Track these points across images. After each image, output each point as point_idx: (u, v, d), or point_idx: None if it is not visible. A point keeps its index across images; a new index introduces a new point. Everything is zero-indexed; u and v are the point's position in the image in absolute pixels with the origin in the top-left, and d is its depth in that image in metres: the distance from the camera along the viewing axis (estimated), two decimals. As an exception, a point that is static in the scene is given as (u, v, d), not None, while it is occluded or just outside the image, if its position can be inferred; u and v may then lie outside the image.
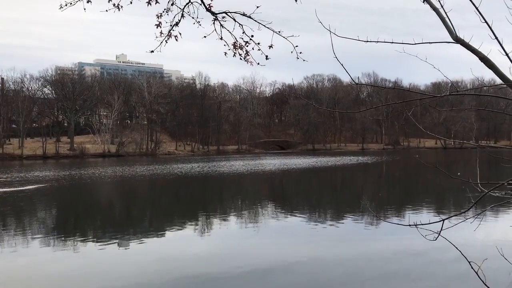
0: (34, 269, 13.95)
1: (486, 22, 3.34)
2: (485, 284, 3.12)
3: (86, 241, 18.03)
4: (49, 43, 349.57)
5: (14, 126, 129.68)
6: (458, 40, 3.47)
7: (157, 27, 5.39)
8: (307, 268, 13.42)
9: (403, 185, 44.27)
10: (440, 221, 3.73)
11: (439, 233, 3.57)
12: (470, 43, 3.46)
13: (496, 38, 3.37)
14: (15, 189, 36.84)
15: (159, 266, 14.04)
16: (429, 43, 3.69)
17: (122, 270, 13.57)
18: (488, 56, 3.44)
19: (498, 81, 3.50)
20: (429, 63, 3.83)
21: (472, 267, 3.22)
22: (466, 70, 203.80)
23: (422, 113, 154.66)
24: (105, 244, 17.28)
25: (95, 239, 18.55)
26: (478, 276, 3.08)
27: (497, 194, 4.06)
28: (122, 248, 16.81)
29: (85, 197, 34.87)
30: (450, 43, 3.56)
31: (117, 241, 18.02)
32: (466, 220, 4.21)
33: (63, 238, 18.51)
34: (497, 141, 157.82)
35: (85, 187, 41.31)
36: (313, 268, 13.47)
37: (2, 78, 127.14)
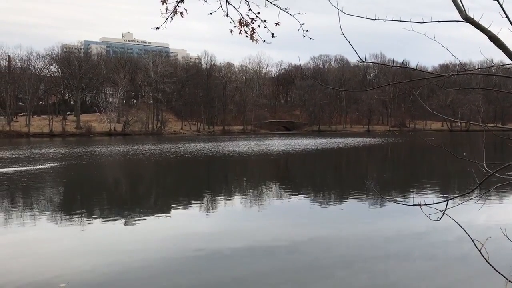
0: (41, 244, 14.18)
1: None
2: (488, 262, 3.14)
3: (93, 218, 18.24)
4: (55, 21, 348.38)
5: (21, 103, 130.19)
6: (467, 19, 3.42)
7: (162, 3, 5.35)
8: (310, 247, 13.55)
9: (408, 166, 44.23)
10: (444, 201, 3.72)
11: (444, 212, 3.58)
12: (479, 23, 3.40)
13: (506, 15, 3.32)
14: (22, 168, 37.20)
15: (163, 243, 14.22)
16: (438, 21, 3.63)
17: (127, 246, 13.76)
18: (498, 36, 3.39)
19: (508, 61, 3.45)
20: (437, 42, 3.78)
21: (475, 245, 3.23)
22: (474, 53, 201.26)
23: (429, 95, 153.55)
24: (111, 222, 17.50)
25: (101, 216, 18.76)
26: (481, 254, 3.10)
27: (505, 176, 4.04)
28: (128, 225, 17.02)
29: (92, 175, 35.15)
30: (459, 22, 3.50)
31: (123, 218, 18.24)
32: (471, 201, 4.21)
33: (70, 215, 18.74)
34: (505, 124, 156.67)
35: (93, 165, 41.61)
36: (316, 247, 13.60)
37: (9, 56, 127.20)
